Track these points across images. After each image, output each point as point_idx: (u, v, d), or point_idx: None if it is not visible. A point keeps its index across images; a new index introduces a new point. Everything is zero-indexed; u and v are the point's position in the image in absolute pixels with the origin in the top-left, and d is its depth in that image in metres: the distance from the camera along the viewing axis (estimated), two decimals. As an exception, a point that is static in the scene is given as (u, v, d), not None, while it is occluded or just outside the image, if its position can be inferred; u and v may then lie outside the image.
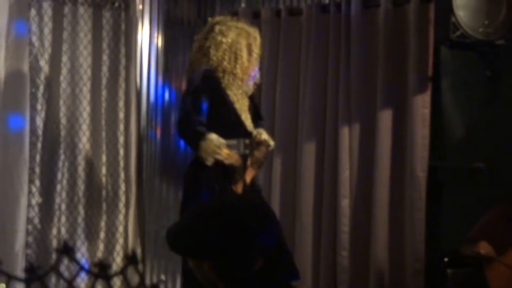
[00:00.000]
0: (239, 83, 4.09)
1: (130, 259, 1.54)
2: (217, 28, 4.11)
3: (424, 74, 4.67)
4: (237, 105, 4.09)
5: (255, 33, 4.17)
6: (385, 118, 4.77)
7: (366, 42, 4.87)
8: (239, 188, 4.04)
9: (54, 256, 4.61)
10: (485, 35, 4.31)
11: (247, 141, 4.12)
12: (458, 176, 4.76)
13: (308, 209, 4.99)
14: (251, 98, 4.28)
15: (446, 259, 4.32)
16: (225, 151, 3.94)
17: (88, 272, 1.55)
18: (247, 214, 2.18)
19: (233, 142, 4.06)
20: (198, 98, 4.00)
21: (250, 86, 4.21)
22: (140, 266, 4.85)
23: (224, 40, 4.05)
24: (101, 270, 1.48)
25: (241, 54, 4.07)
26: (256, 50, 4.14)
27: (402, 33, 4.76)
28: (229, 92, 4.07)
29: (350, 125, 4.88)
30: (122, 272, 1.57)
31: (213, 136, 3.91)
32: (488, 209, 4.23)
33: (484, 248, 4.06)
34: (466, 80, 4.72)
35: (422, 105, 4.66)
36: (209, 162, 3.92)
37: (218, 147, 3.91)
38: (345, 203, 4.88)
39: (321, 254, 4.97)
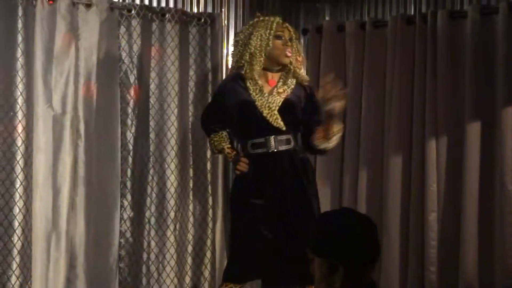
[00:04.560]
0: (256, 75, 4.20)
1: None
2: None
3: (514, 85, 4.59)
4: (259, 103, 4.20)
5: (266, 19, 4.28)
6: (473, 130, 4.69)
7: (453, 53, 4.81)
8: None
9: (144, 269, 4.68)
10: None
11: (279, 137, 4.17)
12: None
13: (395, 223, 4.94)
14: (308, 95, 4.32)
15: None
16: (227, 150, 4.33)
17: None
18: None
19: (260, 140, 4.20)
20: (214, 100, 4.53)
21: (288, 79, 4.28)
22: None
23: (237, 38, 4.40)
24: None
25: (249, 42, 4.23)
26: (264, 34, 4.21)
27: (490, 44, 4.68)
28: (251, 91, 4.22)
29: (437, 138, 4.82)
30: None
31: (218, 137, 4.34)
32: None
33: None
34: (558, 91, 4.61)
35: (512, 117, 4.58)
36: (213, 154, 4.62)
37: (220, 144, 4.35)
38: (432, 217, 4.82)
39: (409, 269, 4.91)
